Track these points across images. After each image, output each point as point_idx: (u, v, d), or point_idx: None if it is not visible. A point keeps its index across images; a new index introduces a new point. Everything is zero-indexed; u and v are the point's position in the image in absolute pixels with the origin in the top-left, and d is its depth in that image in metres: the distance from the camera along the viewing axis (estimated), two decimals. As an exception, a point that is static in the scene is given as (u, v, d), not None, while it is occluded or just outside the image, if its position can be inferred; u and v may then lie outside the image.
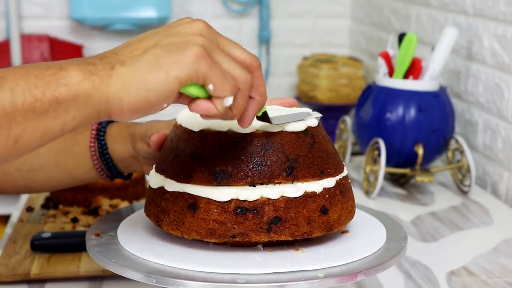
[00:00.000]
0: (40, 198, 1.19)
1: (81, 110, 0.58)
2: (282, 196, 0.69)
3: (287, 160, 0.70)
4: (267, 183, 0.69)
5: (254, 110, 0.64)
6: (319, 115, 0.76)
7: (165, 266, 0.67)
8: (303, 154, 0.71)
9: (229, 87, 0.60)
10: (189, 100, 0.62)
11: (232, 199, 0.68)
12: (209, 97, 0.61)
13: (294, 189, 0.69)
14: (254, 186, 0.69)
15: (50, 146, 0.89)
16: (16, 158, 0.59)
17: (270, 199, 0.68)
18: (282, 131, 0.71)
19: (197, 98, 0.62)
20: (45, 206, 1.15)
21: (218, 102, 0.61)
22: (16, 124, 0.56)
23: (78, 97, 0.57)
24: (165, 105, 0.60)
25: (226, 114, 0.62)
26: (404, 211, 1.21)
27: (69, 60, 0.59)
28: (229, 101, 0.61)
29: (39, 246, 0.95)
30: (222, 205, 0.68)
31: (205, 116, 0.62)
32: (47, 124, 0.57)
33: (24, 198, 1.23)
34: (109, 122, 0.90)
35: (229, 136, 0.70)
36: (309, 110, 0.78)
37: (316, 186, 0.70)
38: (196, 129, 0.71)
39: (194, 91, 0.61)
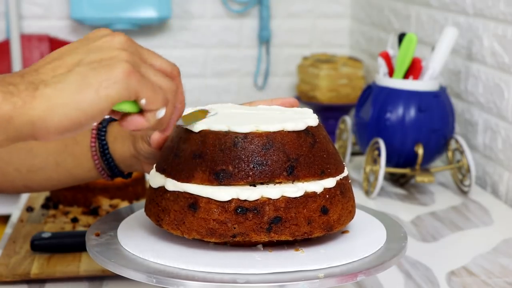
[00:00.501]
0: (40, 198, 1.19)
1: (1, 132, 0.56)
2: (282, 196, 0.69)
3: (288, 160, 0.70)
4: (267, 183, 0.69)
5: (176, 118, 0.65)
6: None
7: (165, 266, 0.67)
8: (304, 154, 0.71)
9: (161, 99, 0.60)
10: (120, 118, 0.62)
11: (232, 199, 0.68)
12: (140, 111, 0.61)
13: (295, 189, 0.69)
14: (255, 185, 0.69)
15: (50, 147, 0.89)
16: None
17: (270, 199, 0.68)
18: (282, 130, 0.71)
19: (128, 114, 0.61)
20: (45, 206, 1.15)
21: (151, 115, 0.61)
22: None
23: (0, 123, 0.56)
24: (94, 124, 0.60)
25: (156, 126, 0.62)
26: (404, 211, 1.21)
27: None
28: (161, 113, 0.61)
29: (39, 246, 0.95)
30: (223, 205, 0.68)
31: (136, 130, 0.62)
32: None
33: (24, 198, 1.23)
34: (110, 121, 0.90)
35: (229, 135, 0.70)
36: (309, 111, 0.78)
37: (317, 186, 0.70)
38: (196, 130, 0.71)
39: (126, 107, 0.60)
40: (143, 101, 0.59)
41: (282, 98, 0.82)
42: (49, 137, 0.58)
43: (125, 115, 0.62)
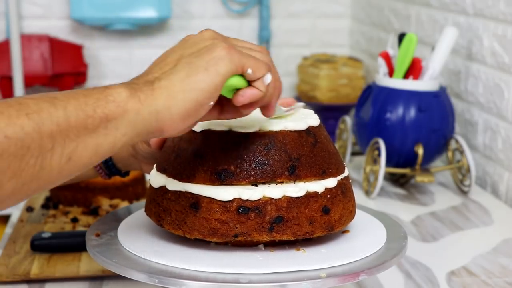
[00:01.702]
0: (40, 198, 1.19)
1: (131, 127, 0.60)
2: (284, 196, 0.69)
3: (290, 160, 0.70)
4: (269, 183, 0.69)
5: (278, 93, 0.67)
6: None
7: (167, 266, 0.67)
8: (305, 154, 0.71)
9: (264, 66, 0.64)
10: (234, 94, 0.65)
11: (234, 199, 0.68)
12: (248, 85, 0.65)
13: (296, 189, 0.69)
14: (256, 185, 0.69)
15: None
16: (67, 178, 0.60)
17: (272, 198, 0.69)
18: (284, 130, 0.71)
19: (236, 91, 0.65)
20: (45, 206, 1.15)
21: (259, 83, 0.64)
22: (70, 141, 0.57)
23: (127, 113, 0.59)
24: (211, 103, 0.63)
25: (267, 94, 0.65)
26: (404, 211, 1.21)
27: (109, 84, 0.62)
28: (268, 77, 0.65)
29: (39, 246, 0.95)
30: (225, 205, 0.68)
31: (249, 106, 0.66)
32: (98, 141, 0.59)
33: (24, 198, 1.23)
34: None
35: (231, 135, 0.70)
36: (310, 111, 0.78)
37: (318, 186, 0.71)
38: (198, 129, 0.71)
39: (236, 81, 0.64)
40: (249, 71, 0.63)
41: (281, 99, 0.82)
42: (175, 124, 0.61)
43: (236, 92, 0.65)
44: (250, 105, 0.65)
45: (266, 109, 0.67)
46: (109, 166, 0.89)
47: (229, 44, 0.64)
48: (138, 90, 0.60)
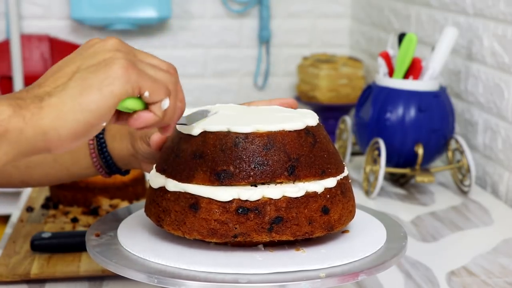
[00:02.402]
0: (40, 198, 1.19)
1: (13, 146, 0.57)
2: (283, 196, 0.69)
3: (289, 160, 0.70)
4: (268, 183, 0.69)
5: (177, 116, 0.65)
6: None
7: (167, 266, 0.67)
8: (305, 154, 0.71)
9: (163, 90, 0.62)
10: (128, 116, 0.63)
11: (233, 199, 0.68)
12: (145, 108, 0.63)
13: (296, 189, 0.69)
14: (256, 186, 0.69)
15: None
16: None
17: (271, 199, 0.68)
18: (283, 130, 0.71)
19: (133, 112, 0.63)
20: (45, 206, 1.15)
21: (156, 107, 0.62)
22: None
23: (9, 133, 0.56)
24: (103, 124, 0.60)
25: (163, 119, 0.63)
26: (404, 211, 1.21)
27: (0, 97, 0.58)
28: (166, 103, 0.62)
29: (39, 246, 0.95)
30: (224, 205, 0.68)
31: (144, 128, 0.63)
32: None
33: (24, 198, 1.23)
34: None
35: (230, 136, 0.70)
36: (311, 112, 0.78)
37: (317, 186, 0.71)
38: (195, 133, 0.71)
39: (131, 103, 0.61)
40: (146, 94, 0.61)
41: (280, 99, 0.82)
42: (63, 145, 0.59)
43: (131, 114, 0.63)
44: (146, 127, 0.63)
45: (164, 130, 0.66)
46: (109, 165, 0.89)
47: (129, 61, 0.60)
48: (24, 107, 0.57)
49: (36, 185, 0.94)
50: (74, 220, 1.07)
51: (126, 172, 0.93)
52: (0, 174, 0.89)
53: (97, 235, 0.76)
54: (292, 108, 0.81)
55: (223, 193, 0.68)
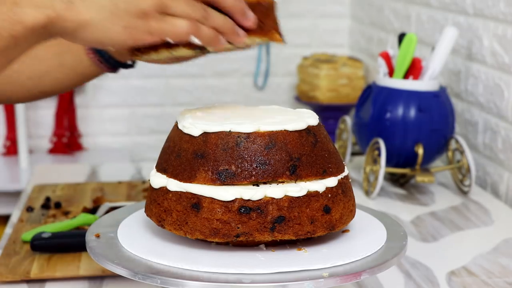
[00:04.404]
0: (40, 198, 1.19)
1: (38, 38, 0.63)
2: (285, 196, 0.69)
3: (291, 159, 0.70)
4: (270, 183, 0.69)
5: (218, 38, 0.69)
6: None
7: (169, 267, 0.67)
8: (306, 153, 0.71)
9: (182, 34, 0.67)
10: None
11: (236, 199, 0.68)
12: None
13: (298, 189, 0.69)
14: (258, 185, 0.69)
15: (50, 50, 0.94)
16: None
17: (274, 198, 0.69)
18: (284, 130, 0.71)
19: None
20: (45, 206, 1.15)
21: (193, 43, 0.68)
22: None
23: (34, 31, 0.62)
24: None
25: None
26: (404, 211, 1.21)
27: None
28: (195, 40, 0.67)
29: (39, 246, 0.95)
30: (226, 205, 0.68)
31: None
32: (8, 54, 0.62)
33: (24, 198, 1.23)
34: None
35: (232, 135, 0.70)
36: (311, 112, 0.78)
37: (319, 185, 0.71)
38: (196, 133, 0.71)
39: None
40: (170, 40, 0.66)
41: None
42: (75, 42, 0.66)
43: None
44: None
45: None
46: (107, 59, 0.93)
47: (156, 6, 0.64)
48: (50, 7, 0.62)
49: (53, 93, 0.98)
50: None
51: (131, 65, 0.96)
52: (21, 89, 0.94)
53: (97, 236, 0.75)
54: None
55: (225, 193, 0.68)
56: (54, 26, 0.62)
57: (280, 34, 0.73)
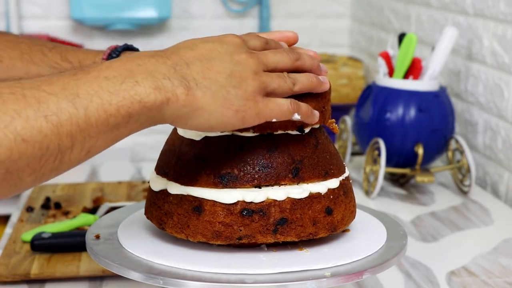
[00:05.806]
0: (40, 198, 1.19)
1: (149, 120, 0.61)
2: (288, 198, 0.69)
3: (293, 162, 0.70)
4: (272, 185, 0.69)
5: (310, 113, 0.69)
6: None
7: (171, 267, 0.67)
8: (308, 155, 0.71)
9: (286, 112, 0.66)
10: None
11: (238, 201, 0.68)
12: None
13: (300, 190, 0.69)
14: (260, 187, 0.69)
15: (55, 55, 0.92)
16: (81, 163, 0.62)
17: (276, 200, 0.68)
18: (286, 132, 0.70)
19: None
20: (45, 206, 1.15)
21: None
22: (89, 138, 0.58)
23: (150, 112, 0.60)
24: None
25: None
26: (404, 211, 1.21)
27: (142, 68, 0.60)
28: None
29: (39, 246, 0.95)
30: (228, 207, 0.68)
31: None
32: (117, 133, 0.60)
33: (24, 198, 1.23)
34: (125, 49, 0.89)
35: (234, 138, 0.70)
36: None
37: (321, 187, 0.71)
38: (197, 138, 0.71)
39: None
40: (274, 120, 0.66)
41: (279, 32, 0.79)
42: (184, 128, 0.64)
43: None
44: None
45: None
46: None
47: (260, 88, 0.64)
48: (170, 91, 0.60)
49: None
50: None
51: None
52: None
53: (97, 236, 0.75)
54: (291, 42, 0.77)
55: (227, 196, 0.68)
56: (169, 107, 0.60)
57: (335, 123, 0.75)
